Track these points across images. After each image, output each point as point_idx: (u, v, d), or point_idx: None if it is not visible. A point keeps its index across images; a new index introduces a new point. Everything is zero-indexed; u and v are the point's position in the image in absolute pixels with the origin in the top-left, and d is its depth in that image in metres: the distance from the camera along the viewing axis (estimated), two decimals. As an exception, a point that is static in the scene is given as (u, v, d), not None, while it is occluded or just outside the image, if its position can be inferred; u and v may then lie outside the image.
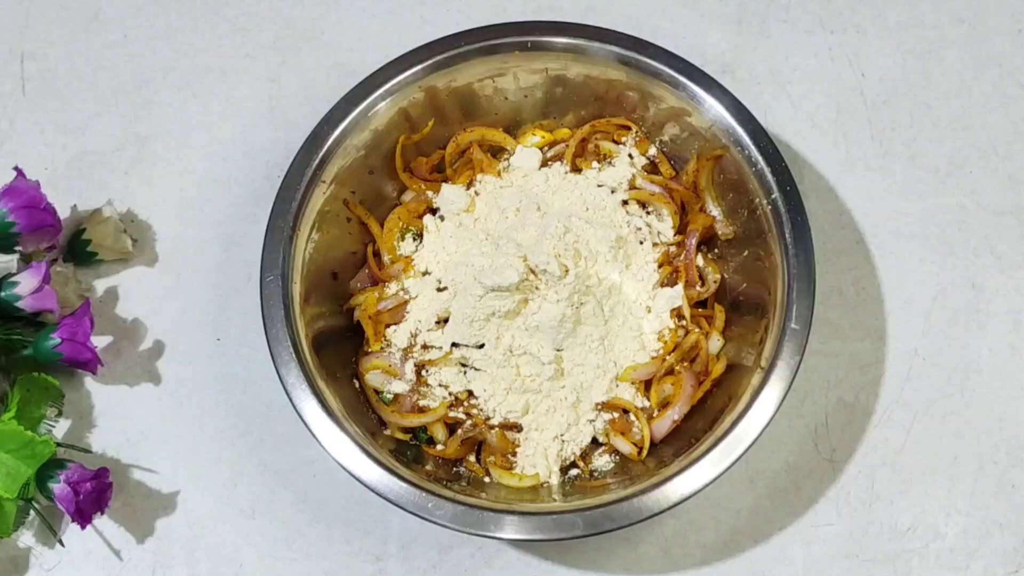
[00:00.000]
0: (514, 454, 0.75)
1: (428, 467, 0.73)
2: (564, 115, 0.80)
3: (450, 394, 0.75)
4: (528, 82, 0.78)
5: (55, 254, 0.81)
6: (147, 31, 0.87)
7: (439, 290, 0.76)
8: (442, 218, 0.78)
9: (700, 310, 0.77)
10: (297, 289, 0.73)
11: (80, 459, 0.76)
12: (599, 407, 0.75)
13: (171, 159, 0.85)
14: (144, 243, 0.83)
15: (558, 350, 0.74)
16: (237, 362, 0.80)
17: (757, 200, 0.73)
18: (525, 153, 0.79)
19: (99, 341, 0.79)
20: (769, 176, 0.72)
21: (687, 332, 0.76)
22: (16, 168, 0.78)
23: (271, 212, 0.73)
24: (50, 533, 0.77)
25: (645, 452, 0.74)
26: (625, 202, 0.78)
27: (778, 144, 0.74)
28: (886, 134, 0.84)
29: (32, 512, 0.77)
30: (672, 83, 0.74)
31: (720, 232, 0.78)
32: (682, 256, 0.77)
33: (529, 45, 0.75)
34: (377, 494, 0.68)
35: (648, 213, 0.79)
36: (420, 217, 0.79)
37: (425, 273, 0.77)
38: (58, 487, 0.74)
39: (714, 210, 0.77)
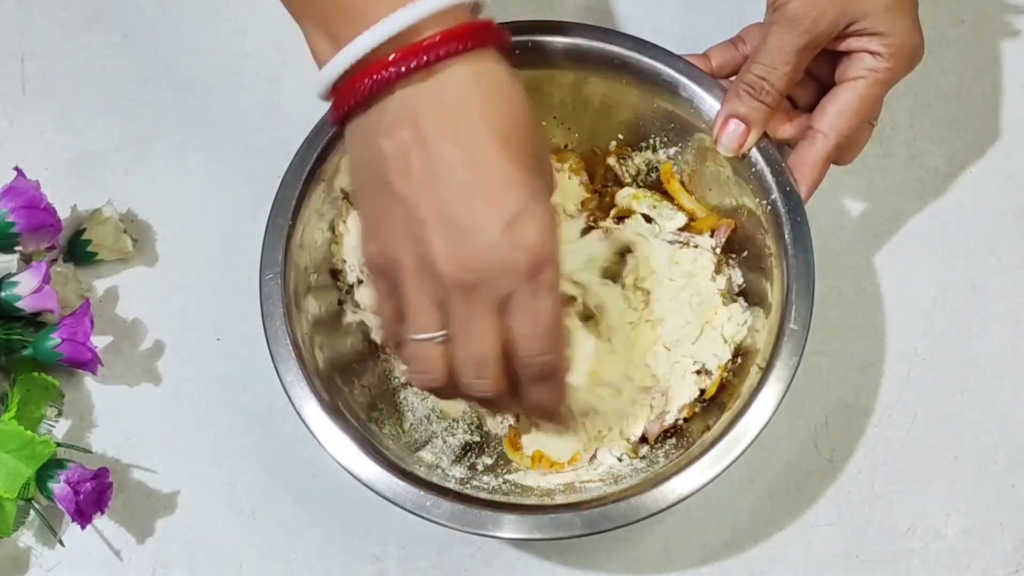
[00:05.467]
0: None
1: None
2: (564, 115, 0.80)
3: None
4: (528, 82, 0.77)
5: (55, 254, 0.81)
6: (147, 31, 0.87)
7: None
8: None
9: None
10: (296, 288, 0.73)
11: (80, 459, 0.77)
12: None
13: (171, 159, 0.85)
14: (144, 243, 0.83)
15: None
16: (237, 362, 0.80)
17: (757, 200, 0.73)
18: None
19: (99, 341, 0.79)
20: (769, 176, 0.72)
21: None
22: (16, 168, 0.78)
23: (271, 209, 0.73)
24: (50, 533, 0.77)
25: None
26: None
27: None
28: (886, 134, 0.84)
29: (32, 512, 0.77)
30: (672, 83, 0.74)
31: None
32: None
33: (529, 45, 0.75)
34: (376, 493, 0.68)
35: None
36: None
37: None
38: (58, 487, 0.74)
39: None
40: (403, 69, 0.56)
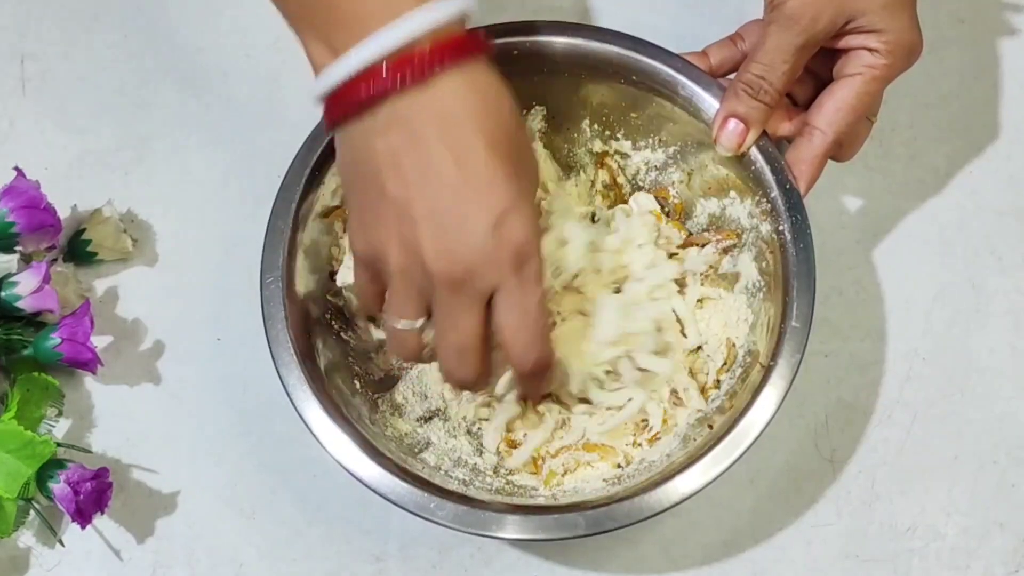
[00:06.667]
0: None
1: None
2: (565, 117, 0.80)
3: None
4: (527, 83, 0.77)
5: (55, 254, 0.81)
6: (147, 31, 0.87)
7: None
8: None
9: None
10: (297, 291, 0.73)
11: (80, 459, 0.76)
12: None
13: (171, 159, 0.85)
14: (144, 243, 0.83)
15: None
16: (237, 362, 0.80)
17: (756, 199, 0.73)
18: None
19: (99, 341, 0.79)
20: (768, 175, 0.72)
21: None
22: (16, 168, 0.78)
23: (271, 212, 0.73)
24: (50, 533, 0.77)
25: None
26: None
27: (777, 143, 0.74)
28: (886, 134, 0.84)
29: (32, 512, 0.77)
30: (671, 82, 0.74)
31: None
32: None
33: (528, 46, 0.75)
34: (377, 494, 0.68)
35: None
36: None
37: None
38: (58, 487, 0.74)
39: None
40: (398, 80, 0.58)
